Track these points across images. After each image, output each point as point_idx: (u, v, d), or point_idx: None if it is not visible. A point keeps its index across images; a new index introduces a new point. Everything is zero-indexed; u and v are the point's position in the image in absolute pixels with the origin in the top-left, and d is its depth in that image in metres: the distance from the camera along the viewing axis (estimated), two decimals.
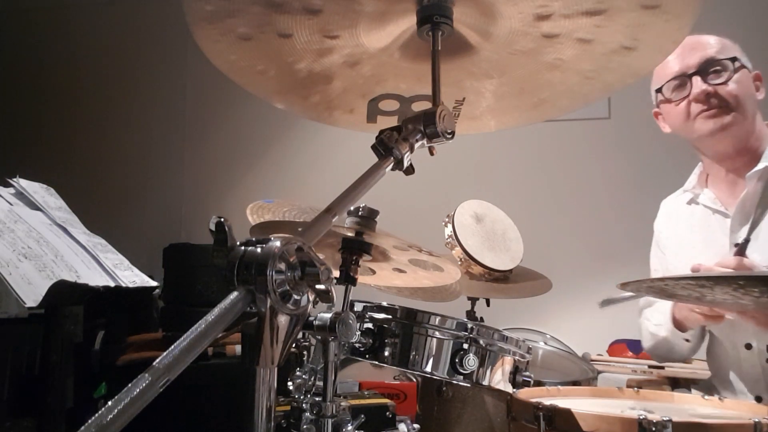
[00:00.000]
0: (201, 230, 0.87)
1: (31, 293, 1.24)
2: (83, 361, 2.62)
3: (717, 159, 1.64)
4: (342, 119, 1.13)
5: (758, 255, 1.41)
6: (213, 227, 0.62)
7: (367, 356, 1.17)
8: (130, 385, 0.51)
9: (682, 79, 1.60)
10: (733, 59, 1.55)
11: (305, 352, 1.23)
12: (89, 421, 0.49)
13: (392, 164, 0.83)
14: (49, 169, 2.54)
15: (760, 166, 1.53)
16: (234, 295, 0.59)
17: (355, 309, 1.21)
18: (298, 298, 0.61)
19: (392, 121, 0.96)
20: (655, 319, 1.69)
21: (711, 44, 1.59)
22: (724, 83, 1.54)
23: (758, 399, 1.52)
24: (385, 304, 1.19)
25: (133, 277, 1.53)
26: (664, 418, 0.89)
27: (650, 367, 2.47)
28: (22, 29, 4.30)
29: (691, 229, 1.68)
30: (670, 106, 1.65)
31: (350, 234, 1.23)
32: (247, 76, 1.05)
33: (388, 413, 1.39)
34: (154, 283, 1.59)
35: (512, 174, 3.37)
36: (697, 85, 1.56)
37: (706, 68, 1.56)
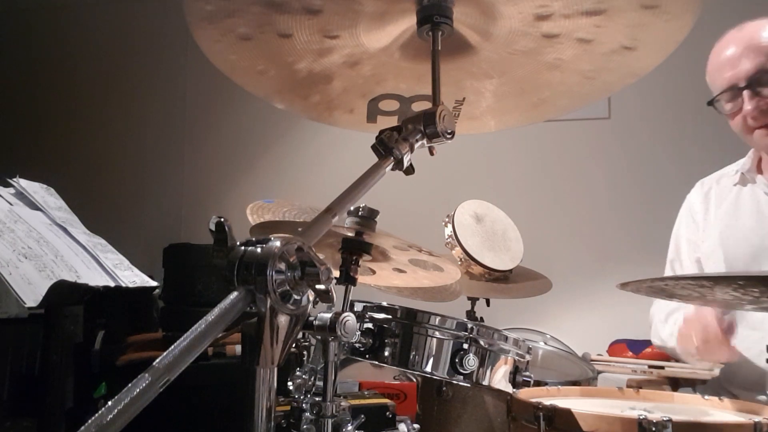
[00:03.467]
0: (201, 230, 0.87)
1: (31, 293, 1.24)
2: (83, 361, 2.62)
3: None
4: (342, 119, 1.13)
5: None
6: (213, 227, 0.62)
7: (367, 356, 1.17)
8: (130, 385, 0.51)
9: (734, 93, 1.51)
10: None
11: (305, 352, 1.23)
12: (89, 421, 0.49)
13: (392, 164, 0.83)
14: (49, 169, 2.54)
15: None
16: (234, 295, 0.59)
17: (355, 309, 1.21)
18: (298, 298, 0.61)
19: (392, 121, 0.96)
20: (669, 328, 1.68)
21: (748, 53, 1.48)
22: None
23: None
24: (385, 304, 1.18)
25: (133, 277, 1.53)
26: (664, 418, 0.89)
27: (650, 367, 2.47)
28: (22, 29, 4.30)
29: (737, 210, 1.66)
30: (727, 117, 1.56)
31: (350, 234, 1.23)
32: (247, 76, 1.05)
33: (388, 413, 1.39)
34: (154, 283, 1.59)
35: (512, 174, 3.37)
36: (748, 101, 1.48)
37: (759, 80, 1.47)
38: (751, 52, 1.50)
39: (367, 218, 1.23)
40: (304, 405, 1.04)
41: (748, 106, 1.50)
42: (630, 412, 1.03)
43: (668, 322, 1.70)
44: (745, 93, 1.49)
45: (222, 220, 0.61)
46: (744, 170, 1.67)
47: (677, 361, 2.48)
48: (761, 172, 1.66)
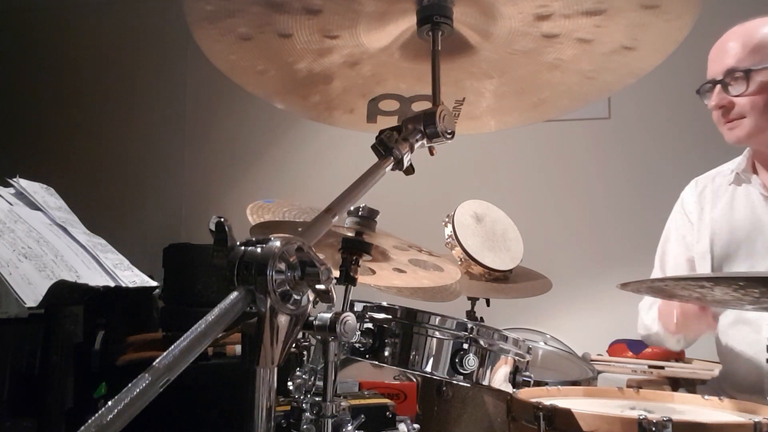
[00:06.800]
0: (201, 230, 0.87)
1: (31, 293, 1.24)
2: (83, 361, 2.62)
3: (760, 159, 1.64)
4: (342, 119, 1.14)
5: None
6: (213, 227, 0.62)
7: (367, 356, 1.17)
8: (130, 385, 0.51)
9: (710, 86, 1.55)
10: (748, 71, 1.48)
11: (305, 352, 1.23)
12: (89, 421, 0.49)
13: (392, 164, 0.83)
14: (49, 169, 2.54)
15: None
16: (234, 295, 0.59)
17: (355, 309, 1.20)
18: (298, 298, 0.61)
19: (392, 121, 0.96)
20: (653, 313, 1.71)
21: (735, 49, 1.51)
22: (742, 95, 1.49)
23: None
24: (385, 304, 1.18)
25: (133, 277, 1.53)
26: (664, 418, 0.89)
27: (650, 367, 2.47)
28: (22, 29, 4.30)
29: (732, 211, 1.66)
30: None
31: (350, 234, 1.23)
32: (247, 76, 1.05)
33: (388, 413, 1.39)
34: (154, 283, 1.59)
35: (512, 174, 3.36)
36: (715, 95, 1.53)
37: (731, 77, 1.50)
38: (739, 47, 1.52)
39: (367, 218, 1.23)
40: (304, 405, 1.04)
41: (713, 101, 1.54)
42: (630, 412, 1.03)
43: (652, 309, 1.72)
44: (717, 87, 1.53)
45: (222, 220, 0.61)
46: (739, 170, 1.67)
47: (677, 360, 2.48)
48: (756, 172, 1.66)
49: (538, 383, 1.29)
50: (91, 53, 4.19)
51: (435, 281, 1.48)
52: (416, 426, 1.23)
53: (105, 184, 4.01)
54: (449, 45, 0.94)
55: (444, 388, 1.41)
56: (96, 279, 1.44)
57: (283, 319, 0.61)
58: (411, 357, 1.15)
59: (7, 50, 4.29)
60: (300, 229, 0.70)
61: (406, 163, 0.84)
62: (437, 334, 1.15)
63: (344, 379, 1.78)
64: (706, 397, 1.17)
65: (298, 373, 1.15)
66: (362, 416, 1.04)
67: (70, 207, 1.65)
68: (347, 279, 1.23)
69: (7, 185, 1.56)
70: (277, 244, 0.60)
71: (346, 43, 0.97)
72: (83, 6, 4.23)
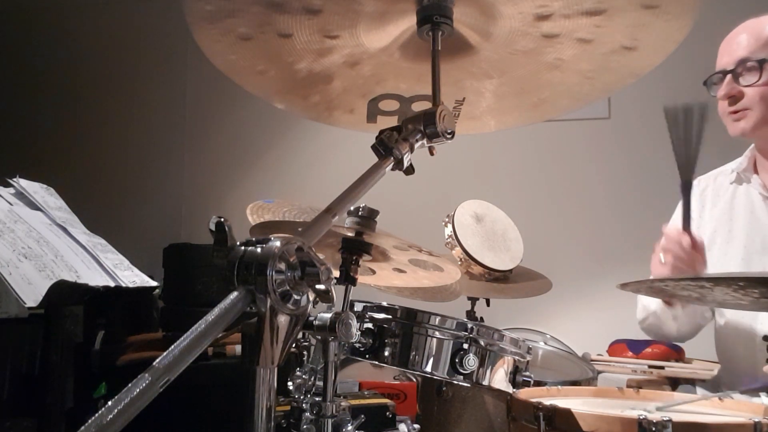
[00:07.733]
0: (201, 230, 0.87)
1: (31, 293, 1.24)
2: (83, 361, 2.61)
3: (765, 154, 1.64)
4: (342, 119, 1.13)
5: None
6: (213, 227, 0.62)
7: (367, 356, 1.17)
8: (130, 385, 0.51)
9: (721, 76, 1.56)
10: (762, 61, 1.49)
11: (305, 352, 1.23)
12: (89, 421, 0.49)
13: (392, 164, 0.83)
14: (49, 169, 2.54)
15: None
16: (234, 295, 0.59)
17: (355, 309, 1.21)
18: (298, 298, 0.61)
19: (392, 121, 0.96)
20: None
21: (747, 41, 1.53)
22: (754, 84, 1.50)
23: None
24: (385, 304, 1.18)
25: (133, 277, 1.53)
26: (664, 418, 0.89)
27: (650, 367, 2.47)
28: (22, 29, 4.30)
29: (732, 210, 1.66)
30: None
31: (350, 234, 1.23)
32: (247, 76, 1.05)
33: (388, 413, 1.39)
34: (154, 283, 1.60)
35: (512, 174, 3.37)
36: (725, 85, 1.54)
37: (743, 67, 1.52)
38: (752, 39, 1.53)
39: (367, 218, 1.23)
40: (304, 405, 1.04)
41: (722, 91, 1.55)
42: (630, 412, 1.03)
43: None
44: (727, 77, 1.54)
45: (222, 220, 0.61)
46: (740, 170, 1.67)
47: (677, 360, 2.48)
48: (757, 171, 1.66)
49: (538, 383, 1.29)
50: (92, 53, 4.18)
51: (435, 281, 1.48)
52: (416, 426, 1.23)
53: (105, 184, 4.01)
54: (449, 45, 0.94)
55: (444, 388, 1.41)
56: (96, 279, 1.44)
57: (283, 319, 0.61)
58: (411, 357, 1.15)
59: (7, 50, 4.29)
60: (300, 229, 0.70)
61: (406, 163, 0.84)
62: (437, 334, 1.15)
63: (344, 379, 1.78)
64: (707, 397, 1.17)
65: (298, 373, 1.15)
66: (362, 416, 1.04)
67: (70, 207, 1.65)
68: (347, 279, 1.23)
69: (7, 185, 1.56)
70: (277, 244, 0.60)
71: (346, 43, 0.97)
72: (83, 6, 4.23)
